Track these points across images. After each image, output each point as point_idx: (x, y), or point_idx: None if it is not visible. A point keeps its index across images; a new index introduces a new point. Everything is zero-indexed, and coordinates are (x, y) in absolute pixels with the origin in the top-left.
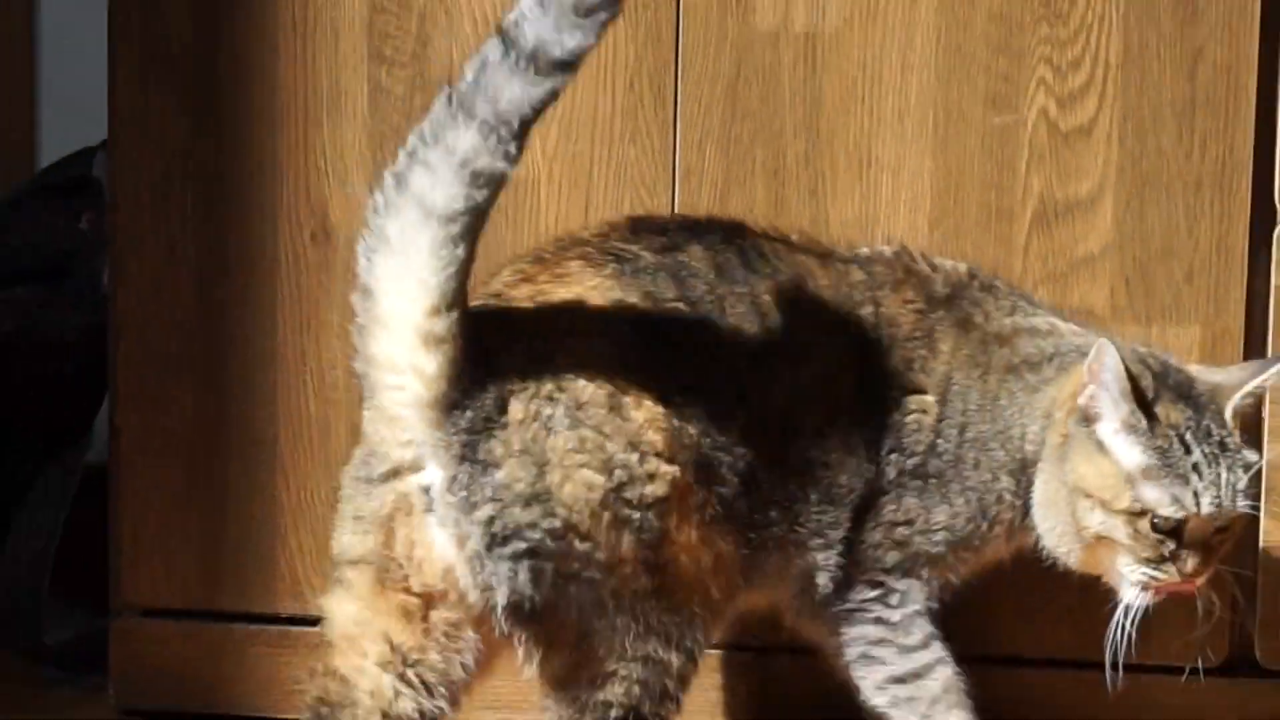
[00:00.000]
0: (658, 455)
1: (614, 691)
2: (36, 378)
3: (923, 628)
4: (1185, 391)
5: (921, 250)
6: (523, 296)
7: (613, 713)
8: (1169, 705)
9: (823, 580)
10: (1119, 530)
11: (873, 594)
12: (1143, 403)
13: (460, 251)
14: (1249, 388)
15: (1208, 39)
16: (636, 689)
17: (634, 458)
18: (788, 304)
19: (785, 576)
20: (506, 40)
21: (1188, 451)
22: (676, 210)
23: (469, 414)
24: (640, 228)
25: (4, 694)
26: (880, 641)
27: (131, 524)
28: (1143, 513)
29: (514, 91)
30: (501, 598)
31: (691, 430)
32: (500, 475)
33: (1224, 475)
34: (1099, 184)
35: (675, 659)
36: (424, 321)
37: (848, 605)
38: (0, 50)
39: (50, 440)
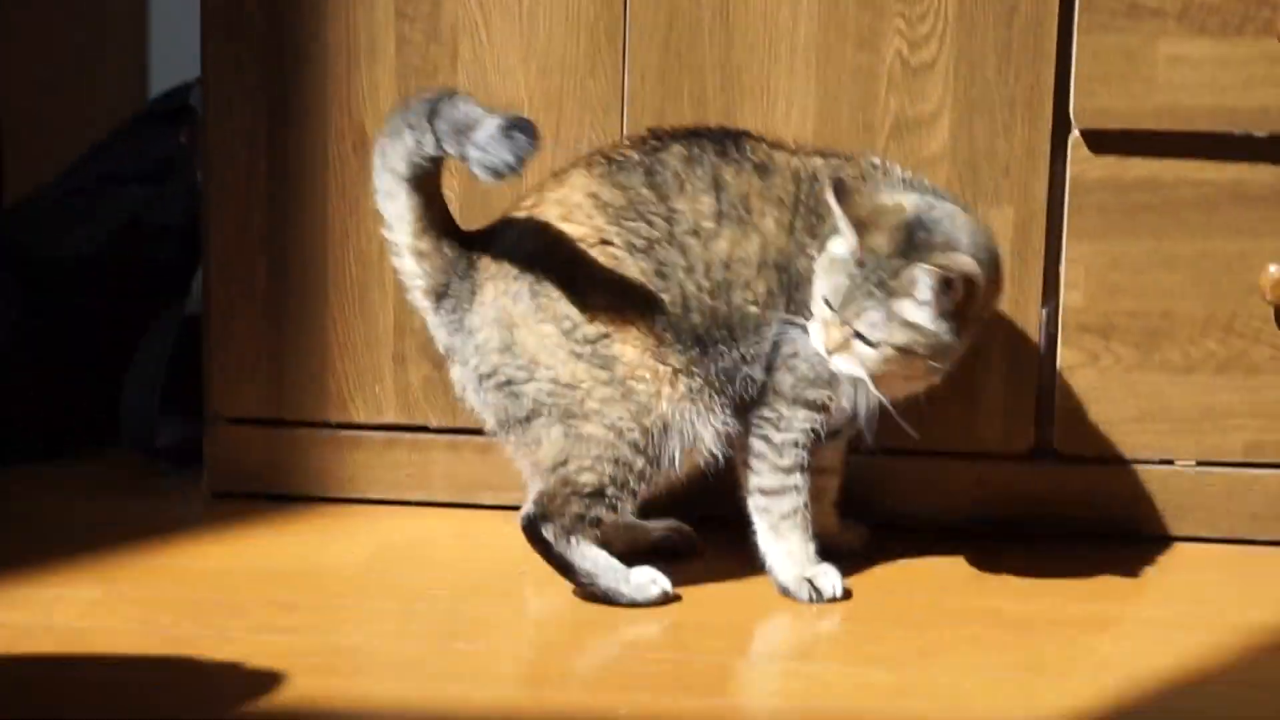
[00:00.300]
0: (599, 308)
1: (586, 478)
2: (147, 252)
3: (793, 455)
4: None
5: (883, 158)
6: (527, 205)
7: (585, 489)
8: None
9: (749, 392)
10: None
11: (768, 414)
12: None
13: (420, 197)
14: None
15: None
16: (605, 478)
17: (575, 310)
18: (745, 182)
19: (725, 386)
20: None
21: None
22: (624, 127)
23: (452, 300)
24: (649, 135)
25: (126, 483)
26: (761, 455)
27: (220, 357)
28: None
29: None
30: (490, 418)
31: (634, 279)
32: (479, 338)
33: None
34: (939, 105)
35: (638, 460)
36: (413, 242)
37: (752, 420)
38: (119, 8)
39: (160, 295)
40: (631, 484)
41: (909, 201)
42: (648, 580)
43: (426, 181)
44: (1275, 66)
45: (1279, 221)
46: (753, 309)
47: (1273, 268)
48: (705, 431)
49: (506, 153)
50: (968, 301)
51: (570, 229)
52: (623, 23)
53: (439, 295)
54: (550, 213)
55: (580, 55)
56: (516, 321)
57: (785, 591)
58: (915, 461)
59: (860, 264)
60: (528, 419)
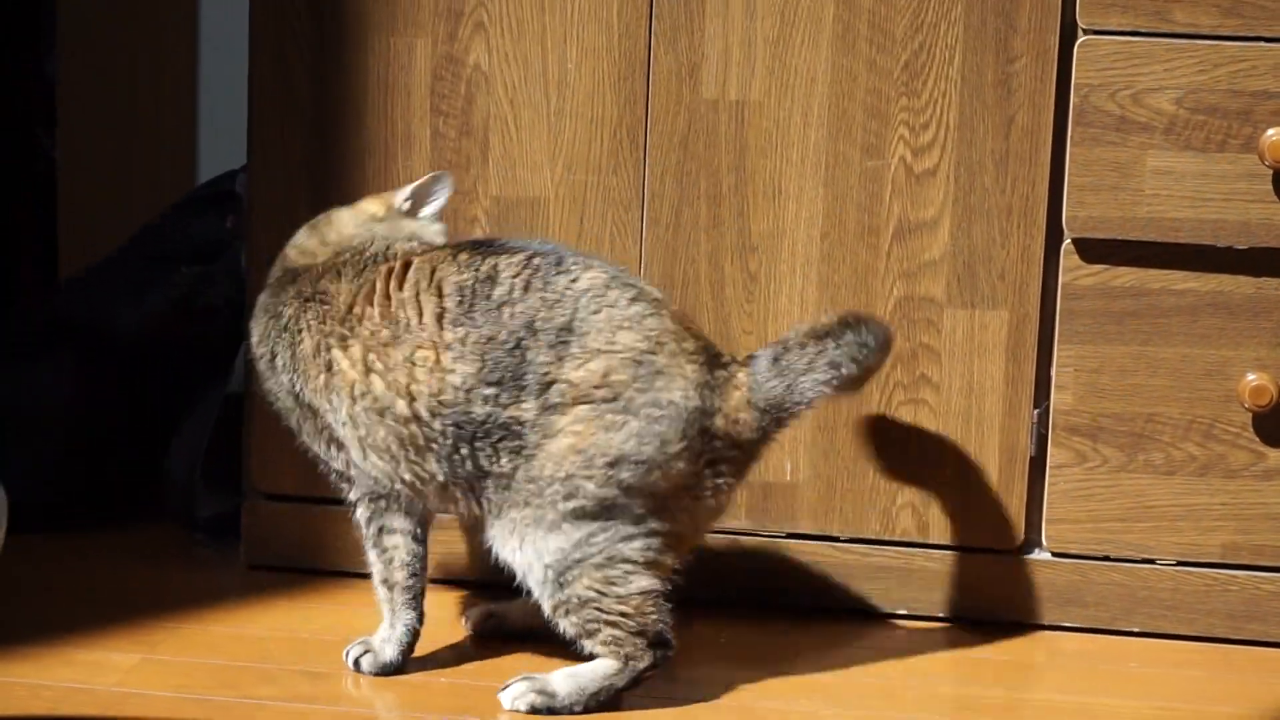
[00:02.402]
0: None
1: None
2: (195, 330)
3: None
4: None
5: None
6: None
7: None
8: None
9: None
10: None
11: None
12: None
13: None
14: None
15: (1018, 109)
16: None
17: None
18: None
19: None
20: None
21: None
22: (644, 223)
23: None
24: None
25: (167, 552)
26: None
27: (259, 436)
28: None
29: None
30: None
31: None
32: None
33: None
34: (940, 210)
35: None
36: None
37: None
38: (169, 94)
39: (205, 372)
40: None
41: None
42: None
43: None
44: (1255, 182)
45: (1257, 331)
46: None
47: (1251, 375)
48: None
49: None
50: None
51: None
52: (644, 124)
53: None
54: None
55: (604, 153)
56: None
57: None
58: (906, 554)
59: None
60: None
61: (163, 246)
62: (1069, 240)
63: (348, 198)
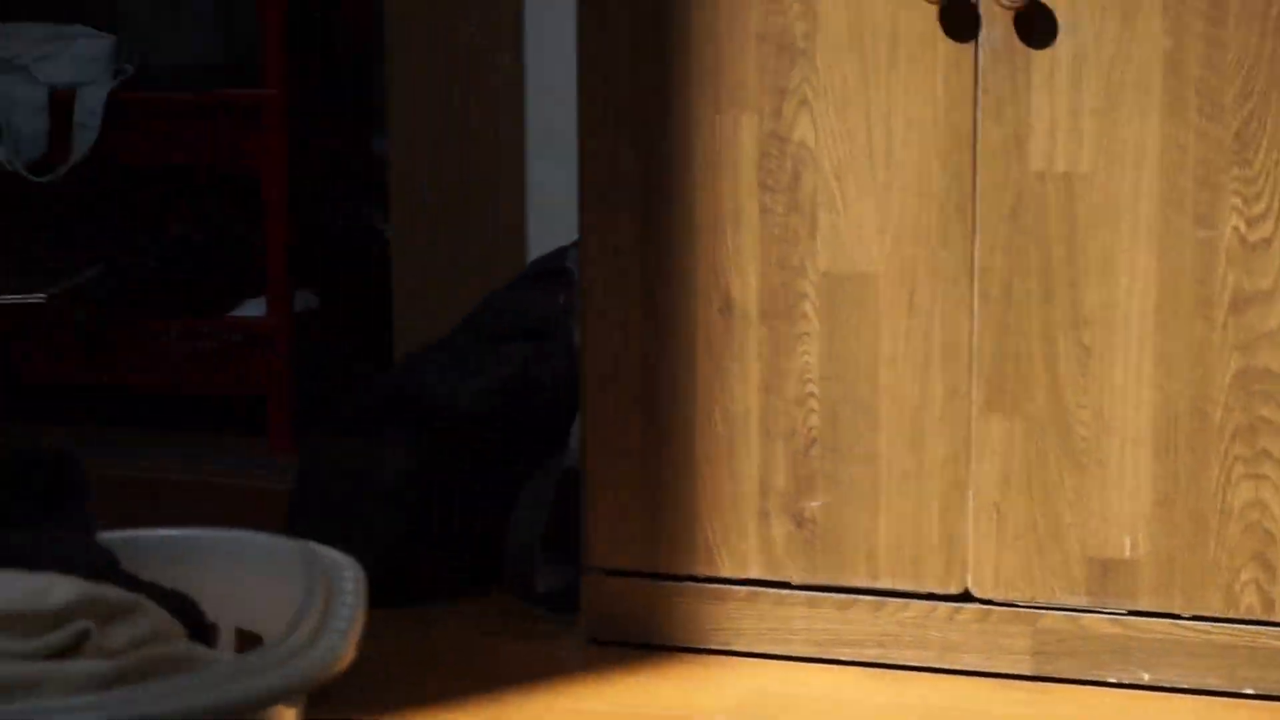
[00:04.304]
0: None
1: None
2: (530, 406)
3: None
4: None
5: None
6: None
7: None
8: None
9: None
10: None
11: None
12: None
13: None
14: None
15: None
16: None
17: None
18: None
19: None
20: None
21: None
22: (974, 296)
23: None
24: None
25: (507, 625)
26: None
27: (597, 511)
28: None
29: None
30: None
31: None
32: None
33: None
34: (1276, 280)
35: None
36: None
37: None
38: (499, 173)
39: (540, 448)
40: None
41: None
42: None
43: None
44: None
45: None
46: None
47: None
48: None
49: None
50: None
51: None
52: (972, 197)
53: None
54: None
55: (932, 227)
56: None
57: None
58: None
59: None
60: None
61: (497, 323)
62: None
63: (677, 273)
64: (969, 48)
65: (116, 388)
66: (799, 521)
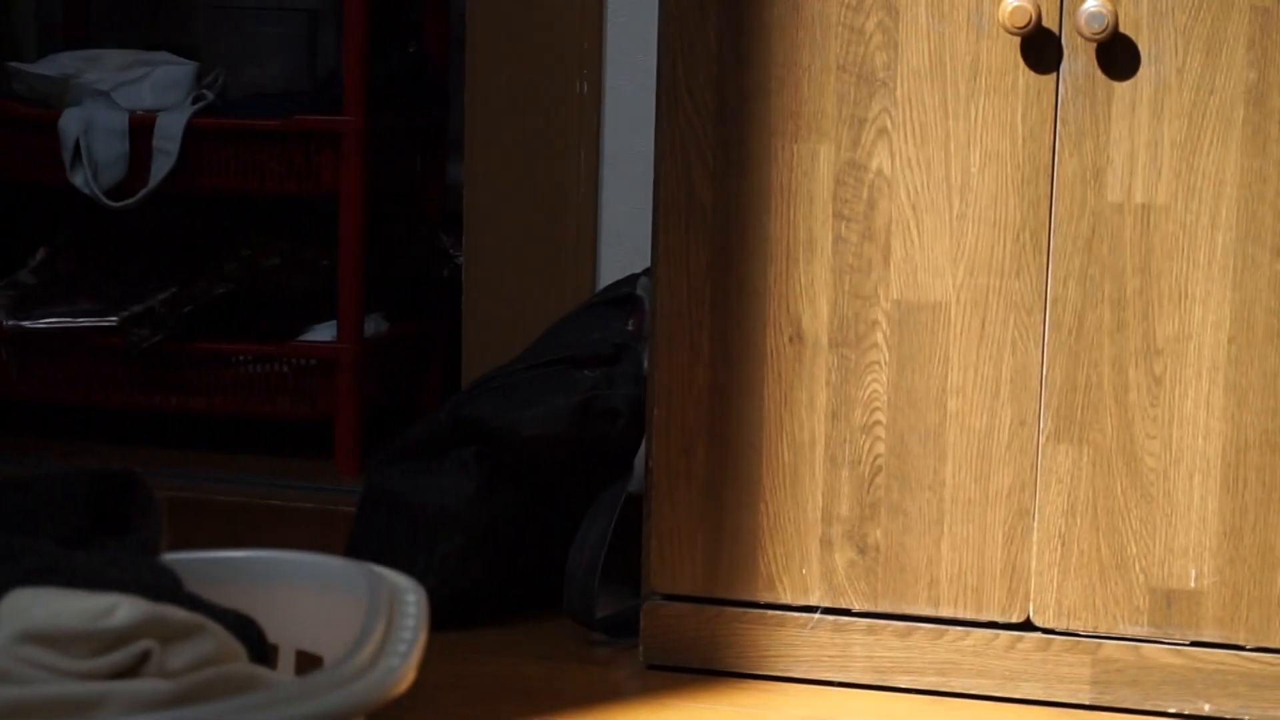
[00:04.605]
0: None
1: None
2: (597, 431)
3: None
4: None
5: None
6: None
7: None
8: None
9: None
10: None
11: None
12: None
13: None
14: None
15: None
16: None
17: None
18: None
19: None
20: None
21: None
22: (1046, 327)
23: None
24: None
25: (565, 650)
26: None
27: (659, 538)
28: None
29: None
30: None
31: None
32: None
33: None
34: None
35: None
36: None
37: None
38: (571, 201)
39: (605, 473)
40: None
41: None
42: None
43: None
44: None
45: None
46: None
47: None
48: None
49: None
50: None
51: None
52: (1047, 227)
53: None
54: None
55: (1006, 257)
56: None
57: None
58: None
59: None
60: None
61: (566, 349)
62: None
63: (748, 304)
64: (1050, 79)
65: (185, 410)
66: (861, 549)
